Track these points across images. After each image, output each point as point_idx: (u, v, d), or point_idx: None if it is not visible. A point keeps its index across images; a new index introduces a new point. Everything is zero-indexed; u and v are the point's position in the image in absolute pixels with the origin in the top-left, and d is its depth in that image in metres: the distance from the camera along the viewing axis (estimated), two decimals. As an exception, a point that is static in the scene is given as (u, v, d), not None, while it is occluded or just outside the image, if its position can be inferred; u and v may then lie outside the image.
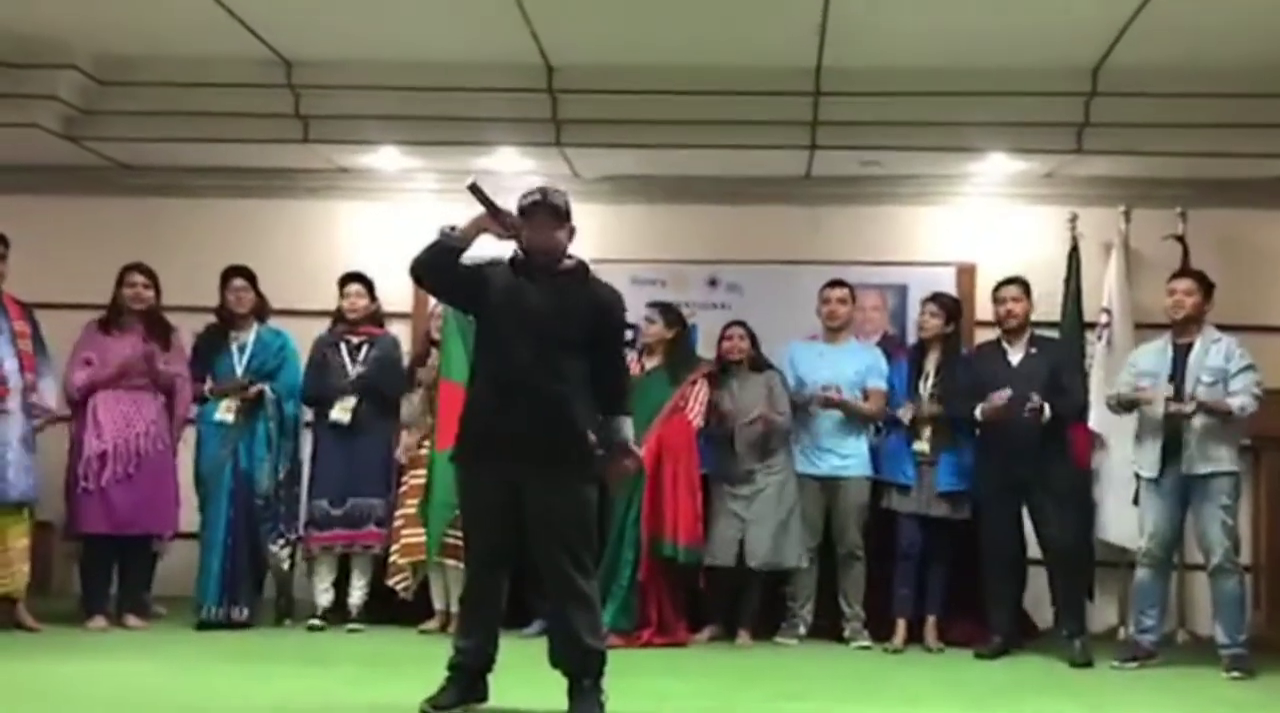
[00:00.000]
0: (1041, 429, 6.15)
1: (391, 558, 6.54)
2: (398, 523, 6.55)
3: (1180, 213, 7.28)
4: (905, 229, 7.80)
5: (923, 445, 6.50)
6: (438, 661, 4.49)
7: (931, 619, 6.50)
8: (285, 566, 6.65)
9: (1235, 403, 5.88)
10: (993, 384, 6.23)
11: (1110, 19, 6.29)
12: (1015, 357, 6.40)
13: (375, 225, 7.82)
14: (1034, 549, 6.44)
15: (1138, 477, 6.19)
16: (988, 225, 7.77)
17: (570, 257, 4.51)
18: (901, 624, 6.49)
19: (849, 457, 6.61)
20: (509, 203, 4.44)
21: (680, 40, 6.62)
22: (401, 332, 7.31)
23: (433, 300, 6.43)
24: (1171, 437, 5.98)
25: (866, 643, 6.47)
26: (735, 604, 6.59)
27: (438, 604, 6.53)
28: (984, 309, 7.18)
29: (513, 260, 4.50)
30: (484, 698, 4.49)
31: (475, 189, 4.36)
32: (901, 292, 7.70)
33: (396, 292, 7.07)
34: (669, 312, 6.76)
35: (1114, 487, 6.85)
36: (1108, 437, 6.91)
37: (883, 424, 6.69)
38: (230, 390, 6.55)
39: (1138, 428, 6.16)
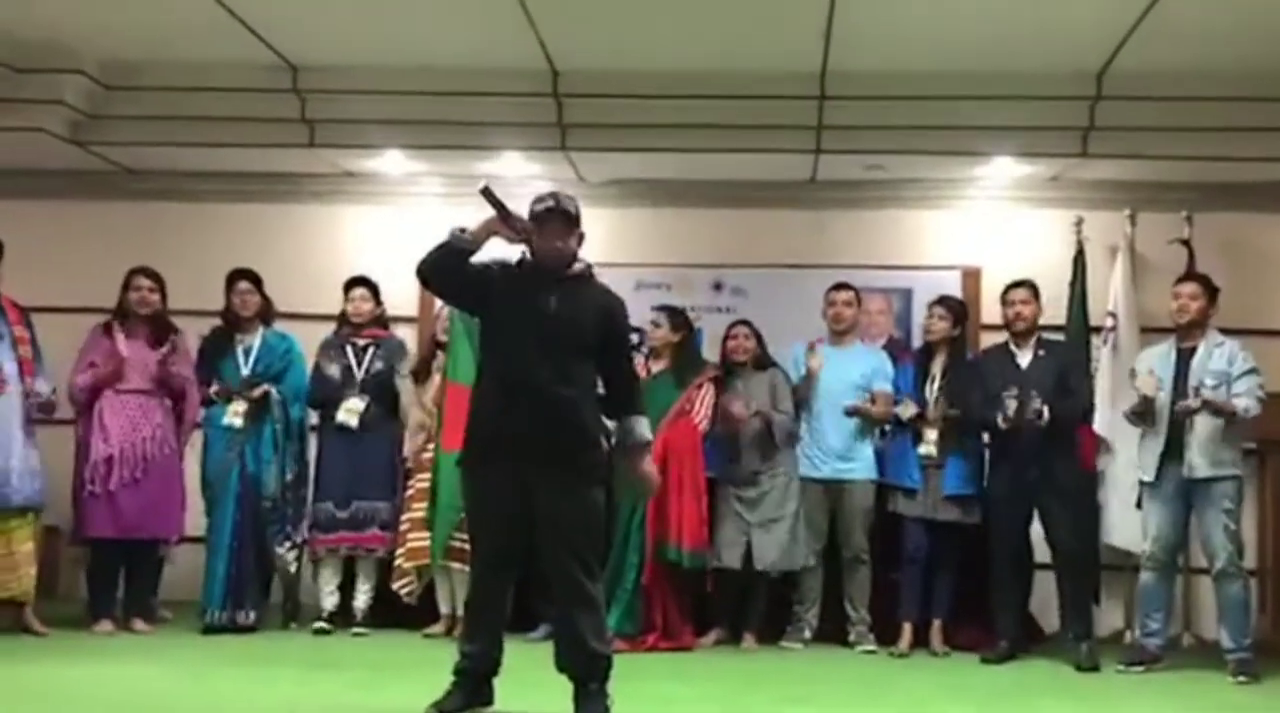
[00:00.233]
0: (1050, 432, 6.15)
1: (397, 562, 6.55)
2: (403, 526, 6.55)
3: (1186, 217, 7.29)
4: (910, 233, 7.80)
5: (929, 449, 6.49)
6: (443, 665, 4.49)
7: (937, 623, 6.49)
8: (292, 569, 6.66)
9: (1239, 405, 5.89)
10: (1001, 388, 6.22)
11: (1115, 23, 6.28)
12: (1024, 360, 6.40)
13: (380, 229, 7.84)
14: (1039, 553, 6.44)
15: (1141, 481, 6.18)
16: (993, 229, 7.77)
17: (578, 260, 4.52)
18: (907, 628, 6.48)
19: (853, 460, 6.61)
20: (517, 208, 4.45)
21: (685, 45, 6.63)
22: (407, 335, 7.31)
23: (438, 303, 6.43)
24: (1173, 440, 5.98)
25: (872, 647, 6.46)
26: (741, 608, 6.59)
27: (443, 608, 6.52)
28: (989, 313, 7.19)
29: (520, 263, 4.50)
30: (489, 702, 4.49)
31: (487, 192, 4.36)
32: (906, 295, 7.70)
33: (402, 295, 7.09)
34: (675, 315, 6.76)
35: (1118, 490, 6.84)
36: (1112, 440, 6.90)
37: (888, 427, 6.69)
38: (235, 393, 6.56)
39: (1141, 431, 6.16)
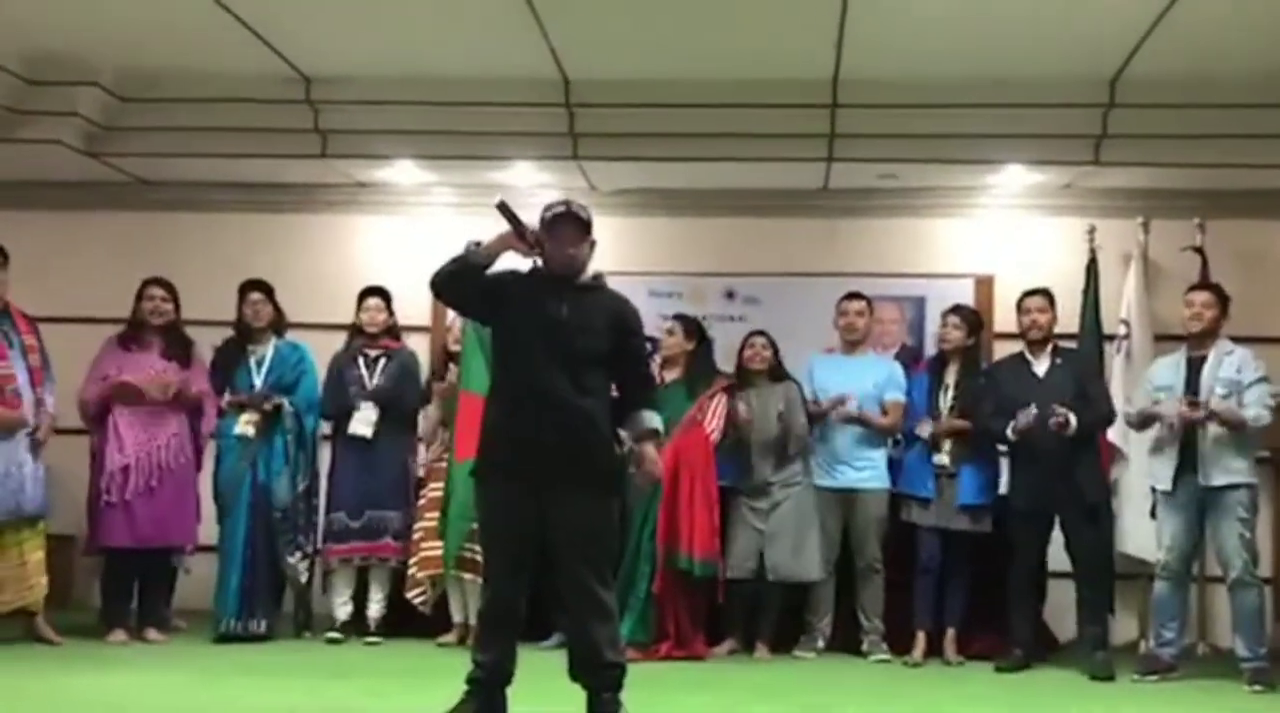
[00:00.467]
0: (1072, 441, 6.12)
1: (410, 571, 6.55)
2: (416, 536, 6.56)
3: (1199, 224, 7.27)
4: (923, 241, 7.79)
5: (943, 458, 6.48)
6: (456, 673, 4.48)
7: (951, 632, 6.47)
8: (303, 579, 6.67)
9: (1249, 414, 5.86)
10: (1020, 397, 6.20)
11: (1128, 30, 6.28)
12: (1040, 368, 6.37)
13: (393, 239, 7.86)
14: (1055, 562, 6.41)
15: (1154, 490, 6.16)
16: (1006, 237, 7.76)
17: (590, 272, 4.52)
18: (921, 637, 6.46)
19: (866, 470, 6.59)
20: (530, 219, 4.45)
21: (697, 53, 6.63)
22: (419, 345, 7.32)
23: (450, 314, 6.44)
24: (1187, 449, 5.95)
25: (885, 656, 6.44)
26: (754, 617, 6.58)
27: (456, 617, 6.53)
28: (1002, 321, 7.18)
29: (532, 272, 4.50)
30: (503, 712, 4.49)
31: (504, 207, 4.37)
32: (919, 304, 7.70)
33: (414, 306, 7.10)
34: (689, 323, 6.76)
35: (1132, 499, 6.81)
36: (1126, 449, 6.88)
37: (901, 437, 6.68)
38: (248, 404, 6.58)
39: (1154, 441, 6.14)
